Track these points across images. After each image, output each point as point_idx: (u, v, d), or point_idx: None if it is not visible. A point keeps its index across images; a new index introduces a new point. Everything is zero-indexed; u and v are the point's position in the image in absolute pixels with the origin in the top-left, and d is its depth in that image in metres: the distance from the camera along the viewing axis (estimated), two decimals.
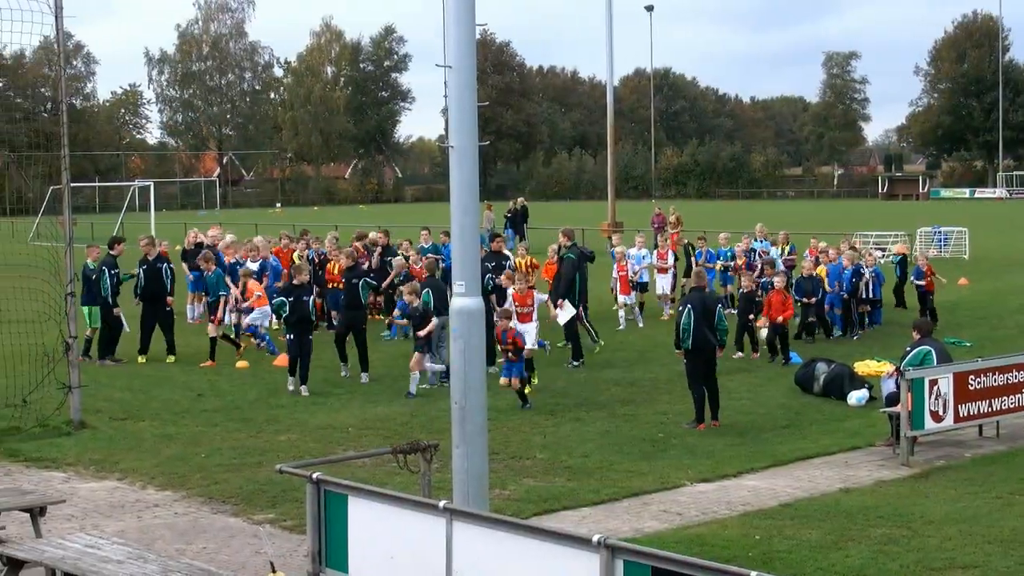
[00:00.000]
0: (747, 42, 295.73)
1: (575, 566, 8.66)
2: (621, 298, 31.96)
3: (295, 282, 23.30)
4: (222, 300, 27.38)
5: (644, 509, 15.20)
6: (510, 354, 21.34)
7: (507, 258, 28.20)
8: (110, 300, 26.79)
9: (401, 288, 26.01)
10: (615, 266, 32.04)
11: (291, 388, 23.06)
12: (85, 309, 27.30)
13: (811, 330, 29.06)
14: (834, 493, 15.85)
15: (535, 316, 24.02)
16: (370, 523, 10.39)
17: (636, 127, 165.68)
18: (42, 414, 20.25)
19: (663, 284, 34.08)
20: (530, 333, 23.25)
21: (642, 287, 33.82)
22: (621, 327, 31.15)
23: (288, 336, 23.37)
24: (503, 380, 21.38)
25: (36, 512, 12.79)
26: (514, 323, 22.35)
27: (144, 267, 27.36)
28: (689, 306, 19.89)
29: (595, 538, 8.54)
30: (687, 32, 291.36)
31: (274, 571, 12.00)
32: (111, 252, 27.37)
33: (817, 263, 30.83)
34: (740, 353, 26.80)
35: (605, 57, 54.30)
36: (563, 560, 8.78)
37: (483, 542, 9.42)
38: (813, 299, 28.70)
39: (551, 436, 19.20)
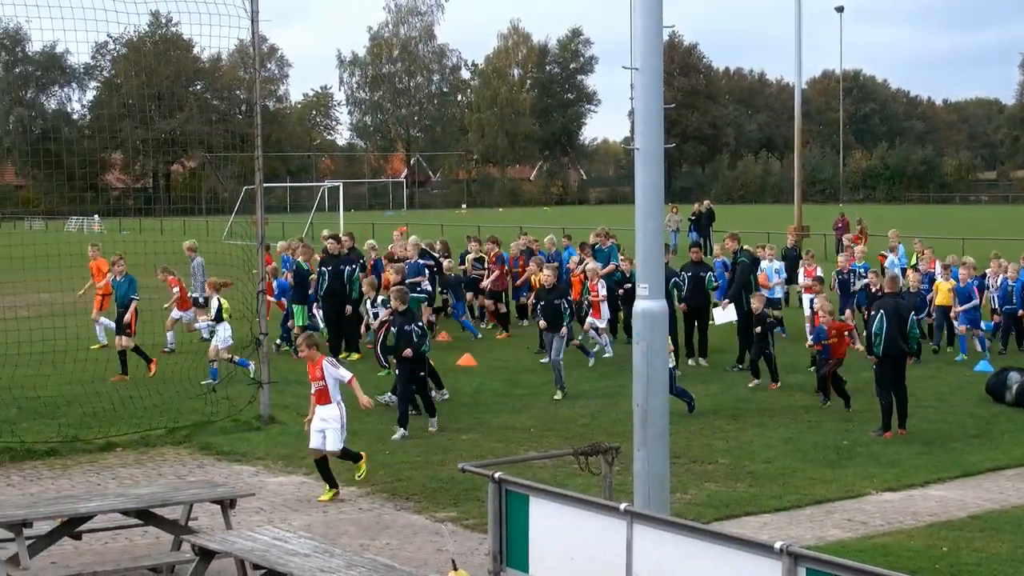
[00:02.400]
0: (940, 43, 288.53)
1: (756, 572, 8.57)
2: (589, 320, 27.66)
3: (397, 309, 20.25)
4: (133, 306, 25.65)
5: (827, 517, 14.99)
6: None
7: (707, 268, 27.14)
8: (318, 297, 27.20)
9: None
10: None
11: (396, 436, 19.47)
12: (296, 308, 27.89)
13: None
14: None
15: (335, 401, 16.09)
16: (551, 523, 10.42)
17: (824, 130, 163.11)
18: (233, 409, 20.77)
19: (809, 304, 27.88)
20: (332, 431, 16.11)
21: (773, 304, 27.84)
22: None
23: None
24: None
25: (227, 504, 13.11)
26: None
27: (328, 267, 27.60)
28: (882, 311, 19.54)
29: (777, 545, 8.44)
30: (878, 33, 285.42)
31: (456, 569, 12.11)
32: (331, 252, 27.72)
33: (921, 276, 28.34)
34: (756, 380, 23.83)
35: (794, 59, 53.46)
36: (744, 566, 8.70)
37: (663, 546, 9.38)
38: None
39: (733, 441, 19.04)
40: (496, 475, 10.86)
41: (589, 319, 27.53)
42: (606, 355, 27.23)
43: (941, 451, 18.43)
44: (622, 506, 9.84)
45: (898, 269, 29.99)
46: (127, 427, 19.85)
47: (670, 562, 9.31)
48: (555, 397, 22.61)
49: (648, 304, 12.41)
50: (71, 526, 12.72)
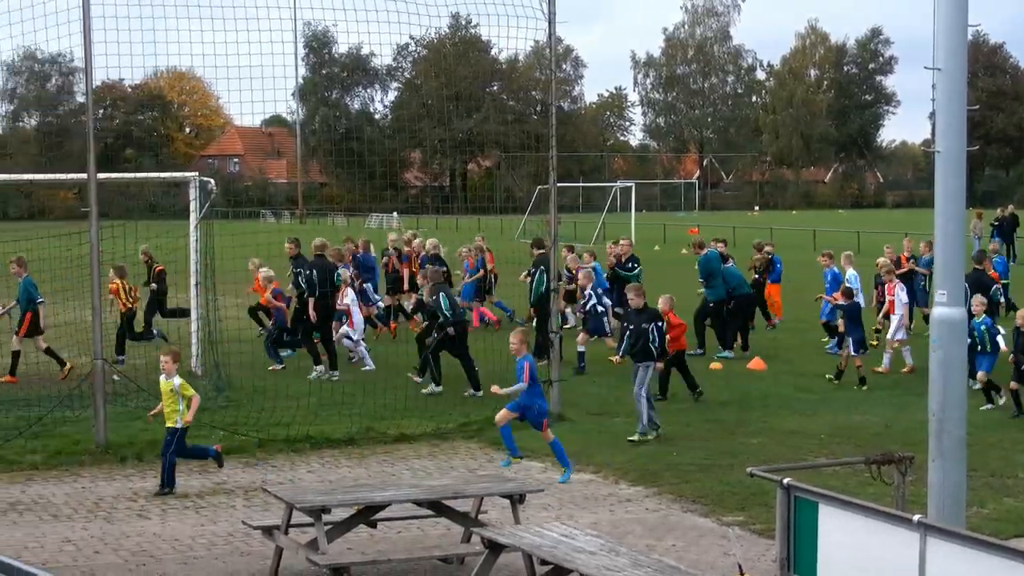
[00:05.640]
0: None
1: None
2: (343, 330, 26.77)
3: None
4: (40, 310, 24.95)
5: None
6: None
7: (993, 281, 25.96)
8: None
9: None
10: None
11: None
12: None
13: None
14: None
15: None
16: (840, 532, 10.24)
17: None
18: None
19: None
20: None
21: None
22: None
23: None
24: None
25: (516, 499, 13.31)
26: None
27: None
28: None
29: None
30: None
31: (742, 574, 12.00)
32: (540, 252, 27.67)
33: None
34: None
35: None
36: None
37: (958, 561, 9.12)
38: None
39: None
40: (785, 481, 10.73)
41: (343, 328, 26.54)
42: (366, 367, 25.81)
43: None
44: (915, 518, 9.60)
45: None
46: (420, 420, 20.35)
47: None
48: (630, 438, 19.29)
49: (946, 311, 12.08)
50: (367, 514, 13.12)
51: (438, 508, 13.34)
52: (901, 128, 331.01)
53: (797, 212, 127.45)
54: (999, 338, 21.94)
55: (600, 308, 26.07)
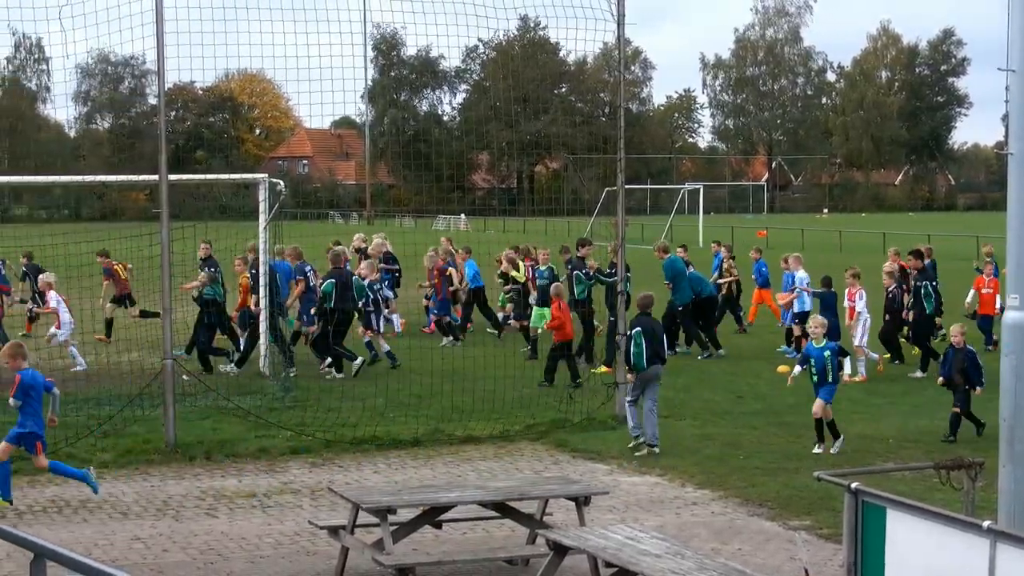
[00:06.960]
0: None
1: None
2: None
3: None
4: None
5: None
6: None
7: None
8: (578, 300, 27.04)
9: None
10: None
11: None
12: None
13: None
14: None
15: None
16: (908, 538, 10.14)
17: None
18: (590, 408, 21.04)
19: None
20: None
21: (802, 317, 26.52)
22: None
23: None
24: None
25: (581, 501, 13.28)
26: None
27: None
28: None
29: None
30: None
31: None
32: (578, 255, 27.35)
33: None
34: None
35: None
36: None
37: None
38: None
39: None
40: (853, 485, 10.64)
41: (52, 329, 26.15)
42: (77, 368, 25.42)
43: None
44: (985, 524, 9.49)
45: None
46: (487, 422, 20.37)
47: None
48: (632, 448, 18.78)
49: (1019, 316, 11.94)
50: (432, 515, 13.14)
51: (503, 509, 13.34)
52: (973, 130, 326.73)
53: (866, 215, 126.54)
54: (846, 363, 21.32)
55: (370, 307, 26.44)
